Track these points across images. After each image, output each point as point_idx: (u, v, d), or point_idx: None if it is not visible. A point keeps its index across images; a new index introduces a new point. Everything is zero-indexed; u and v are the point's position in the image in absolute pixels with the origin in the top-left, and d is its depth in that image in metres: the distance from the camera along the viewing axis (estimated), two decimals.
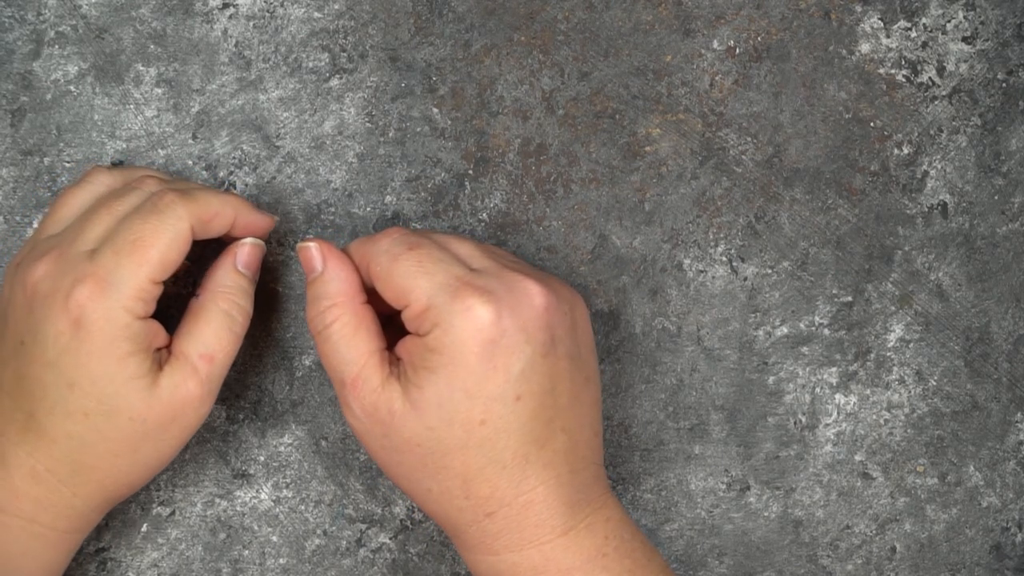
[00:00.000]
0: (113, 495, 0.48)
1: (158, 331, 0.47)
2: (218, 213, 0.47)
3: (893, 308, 0.55)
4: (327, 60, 0.54)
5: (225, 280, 0.49)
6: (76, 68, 0.53)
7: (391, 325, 0.49)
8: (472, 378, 0.45)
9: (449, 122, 0.54)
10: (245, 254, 0.49)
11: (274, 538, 0.53)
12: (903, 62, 0.55)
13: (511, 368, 0.45)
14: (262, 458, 0.54)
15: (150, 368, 0.46)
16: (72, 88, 0.53)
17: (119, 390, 0.46)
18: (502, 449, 0.46)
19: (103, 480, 0.47)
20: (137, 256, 0.45)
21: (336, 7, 0.54)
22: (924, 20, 0.55)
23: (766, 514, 0.55)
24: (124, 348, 0.45)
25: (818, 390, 0.55)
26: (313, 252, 0.48)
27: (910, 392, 0.55)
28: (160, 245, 0.45)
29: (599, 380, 0.49)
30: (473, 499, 0.46)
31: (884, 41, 0.55)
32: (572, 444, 0.47)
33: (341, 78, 0.54)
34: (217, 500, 0.53)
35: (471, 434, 0.45)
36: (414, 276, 0.46)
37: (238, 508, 0.53)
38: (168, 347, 0.47)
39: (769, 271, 0.55)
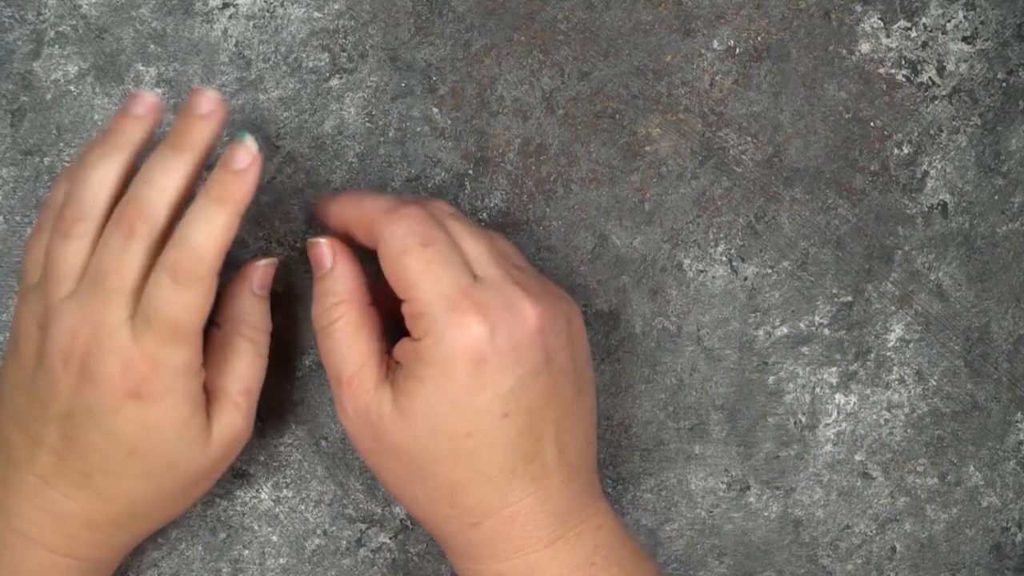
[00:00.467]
0: (159, 528, 0.49)
1: (202, 371, 0.46)
2: (226, 241, 0.45)
3: (893, 308, 0.55)
4: (327, 60, 0.54)
5: (245, 308, 0.48)
6: (76, 68, 0.53)
7: (396, 326, 0.49)
8: (459, 392, 0.45)
9: (449, 122, 0.54)
10: (260, 276, 0.49)
11: (274, 538, 0.53)
12: (903, 62, 0.55)
13: (500, 386, 0.45)
14: (262, 458, 0.54)
15: (205, 420, 0.47)
16: (72, 88, 0.53)
17: (182, 450, 0.46)
18: (488, 463, 0.46)
19: (157, 522, 0.48)
20: (181, 339, 0.45)
21: (336, 7, 0.54)
22: (924, 20, 0.55)
23: (766, 514, 0.55)
24: (186, 411, 0.46)
25: (818, 390, 0.55)
26: (324, 249, 0.48)
27: (910, 392, 0.55)
28: (197, 319, 0.45)
29: (594, 390, 0.49)
30: (459, 508, 0.46)
31: (884, 41, 0.55)
32: (563, 456, 0.47)
33: (341, 78, 0.54)
34: (217, 500, 0.53)
35: (457, 446, 0.45)
36: (419, 276, 0.45)
37: (238, 508, 0.53)
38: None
39: (769, 271, 0.55)
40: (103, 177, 0.45)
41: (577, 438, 0.47)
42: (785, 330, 0.55)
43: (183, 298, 0.44)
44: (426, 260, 0.45)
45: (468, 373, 0.45)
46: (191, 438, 0.46)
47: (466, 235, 0.47)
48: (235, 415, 0.48)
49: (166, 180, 0.44)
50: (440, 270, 0.45)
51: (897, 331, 0.55)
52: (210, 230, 0.44)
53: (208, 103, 0.45)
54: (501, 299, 0.45)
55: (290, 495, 0.53)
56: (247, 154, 0.45)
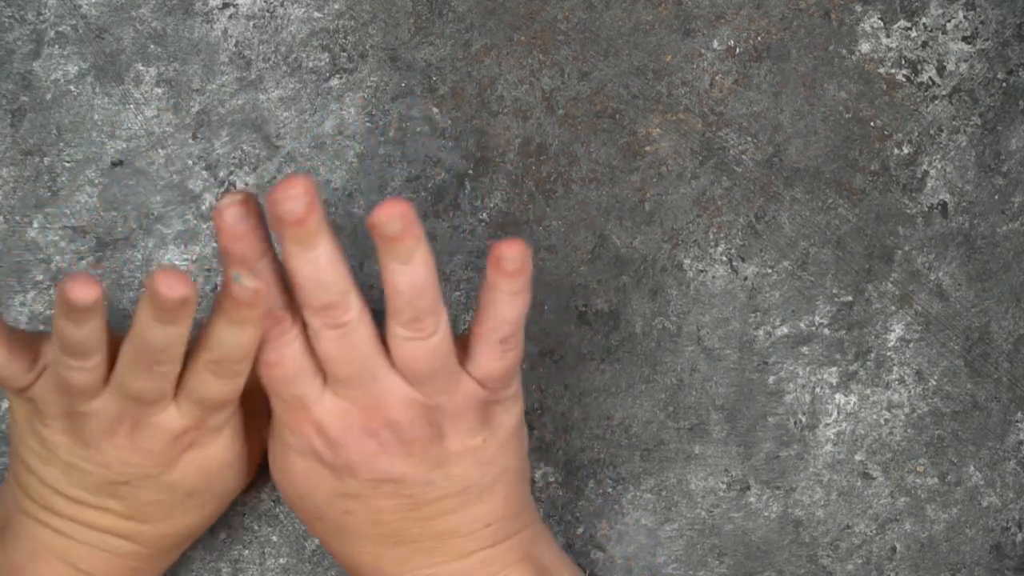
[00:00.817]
0: None
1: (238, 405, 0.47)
2: (257, 340, 0.44)
3: (893, 308, 0.55)
4: (327, 60, 0.54)
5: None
6: (76, 68, 0.53)
7: None
8: (299, 482, 0.46)
9: (449, 122, 0.54)
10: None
11: (274, 538, 0.53)
12: (903, 62, 0.55)
13: (334, 490, 0.45)
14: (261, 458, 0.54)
15: (245, 444, 0.48)
16: (72, 88, 0.53)
17: (232, 477, 0.48)
18: (350, 543, 0.47)
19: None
20: (228, 404, 0.45)
21: (336, 7, 0.54)
22: (924, 20, 0.55)
23: (766, 514, 0.55)
24: (236, 444, 0.47)
25: (818, 390, 0.55)
26: None
27: (910, 392, 0.55)
28: (241, 389, 0.45)
29: (492, 480, 0.47)
30: (363, 569, 0.47)
31: (884, 41, 0.55)
32: (445, 541, 0.46)
33: (341, 78, 0.54)
34: None
35: (318, 525, 0.47)
36: (267, 385, 0.45)
37: (238, 508, 0.53)
38: None
39: (769, 271, 0.55)
40: (88, 336, 0.42)
41: (463, 527, 0.46)
42: (785, 330, 0.55)
43: (229, 385, 0.44)
44: (268, 377, 0.45)
45: (302, 470, 0.45)
46: (240, 465, 0.47)
47: (332, 329, 0.43)
48: (266, 430, 0.48)
49: (165, 342, 0.42)
50: (283, 387, 0.44)
51: (897, 331, 0.55)
52: (239, 341, 0.43)
53: (176, 290, 0.40)
54: (343, 421, 0.44)
55: None
56: (246, 289, 0.42)
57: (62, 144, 0.53)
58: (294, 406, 0.44)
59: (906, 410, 0.55)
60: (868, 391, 0.55)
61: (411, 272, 0.42)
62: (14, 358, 0.43)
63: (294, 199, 0.40)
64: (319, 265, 0.41)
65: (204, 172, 0.53)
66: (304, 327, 0.44)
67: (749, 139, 0.55)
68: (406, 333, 0.43)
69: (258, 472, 0.54)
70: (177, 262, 0.53)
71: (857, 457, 0.55)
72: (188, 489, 0.46)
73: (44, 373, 0.44)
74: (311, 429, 0.44)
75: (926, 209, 0.55)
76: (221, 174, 0.53)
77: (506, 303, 0.43)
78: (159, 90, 0.53)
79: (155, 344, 0.41)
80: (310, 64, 0.54)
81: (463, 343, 0.45)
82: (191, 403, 0.44)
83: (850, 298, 0.55)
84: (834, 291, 0.55)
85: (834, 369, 0.55)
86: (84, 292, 0.39)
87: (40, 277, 0.53)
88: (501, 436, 0.46)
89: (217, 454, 0.46)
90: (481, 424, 0.45)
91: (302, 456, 0.45)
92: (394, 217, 0.40)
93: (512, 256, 0.42)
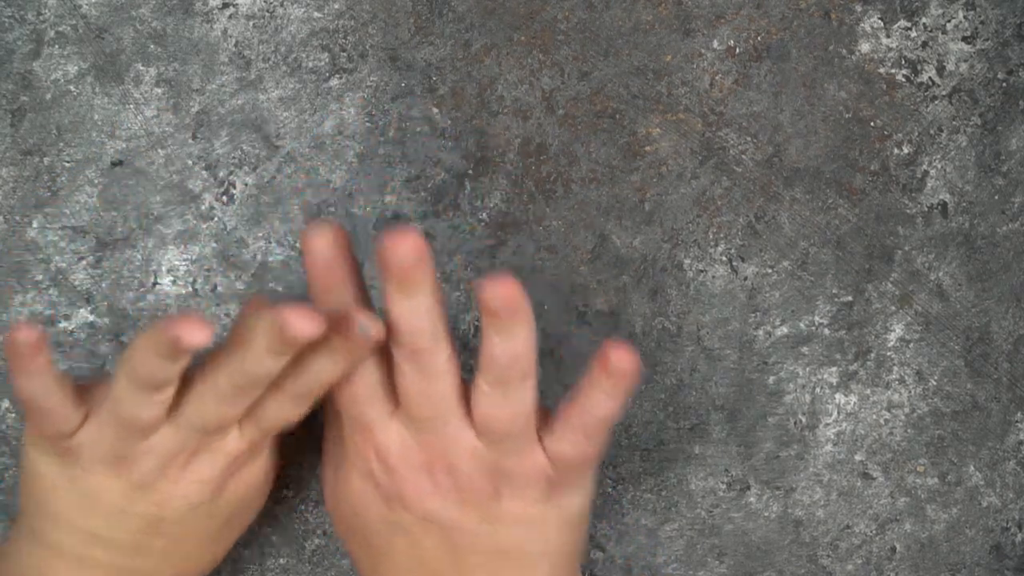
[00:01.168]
0: None
1: None
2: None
3: (893, 308, 0.55)
4: (327, 60, 0.54)
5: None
6: (76, 68, 0.53)
7: None
8: (353, 498, 0.46)
9: (449, 122, 0.54)
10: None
11: (274, 538, 0.53)
12: (903, 62, 0.55)
13: (383, 516, 0.46)
14: None
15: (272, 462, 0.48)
16: (72, 88, 0.53)
17: (261, 496, 0.48)
18: (398, 572, 0.47)
19: None
20: (283, 428, 0.45)
21: (336, 7, 0.54)
22: (924, 20, 0.55)
23: (766, 514, 0.55)
24: (270, 463, 0.47)
25: (818, 390, 0.55)
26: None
27: (910, 392, 0.55)
28: (303, 416, 0.45)
29: (541, 546, 0.46)
30: None
31: (884, 41, 0.55)
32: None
33: (341, 78, 0.54)
34: None
35: (364, 549, 0.47)
36: (340, 405, 0.45)
37: None
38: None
39: (769, 271, 0.55)
40: (176, 373, 0.41)
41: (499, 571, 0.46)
42: (785, 330, 0.55)
43: (302, 408, 0.44)
44: (339, 394, 0.45)
45: (358, 490, 0.46)
46: (269, 483, 0.48)
47: (418, 371, 0.43)
48: (281, 448, 0.49)
49: (271, 371, 0.42)
50: (352, 406, 0.45)
51: (897, 331, 0.55)
52: (332, 372, 0.43)
53: (309, 329, 0.39)
54: (404, 452, 0.45)
55: (290, 495, 0.53)
56: (368, 336, 0.42)
57: (62, 144, 0.53)
58: (361, 425, 0.45)
59: (906, 410, 0.55)
60: (868, 391, 0.55)
61: (509, 346, 0.42)
62: (69, 400, 0.43)
63: (404, 253, 0.40)
64: (416, 313, 0.42)
65: (204, 172, 0.53)
66: (385, 354, 0.44)
67: (749, 139, 0.55)
68: (489, 391, 0.43)
69: None
70: (176, 262, 0.53)
71: (857, 457, 0.55)
72: (227, 514, 0.46)
73: (91, 416, 0.43)
74: (372, 452, 0.45)
75: (926, 209, 0.55)
76: (221, 174, 0.53)
77: (601, 401, 0.43)
78: (159, 90, 0.53)
79: (261, 374, 0.41)
80: (310, 64, 0.54)
81: (547, 414, 0.45)
82: (255, 426, 0.44)
83: (850, 298, 0.55)
84: (834, 291, 0.55)
85: (834, 369, 0.55)
86: (199, 335, 0.39)
87: (40, 277, 0.53)
88: (561, 515, 0.46)
89: (257, 472, 0.46)
90: (543, 497, 0.45)
91: (360, 476, 0.45)
92: (499, 297, 0.41)
93: (620, 363, 0.42)
